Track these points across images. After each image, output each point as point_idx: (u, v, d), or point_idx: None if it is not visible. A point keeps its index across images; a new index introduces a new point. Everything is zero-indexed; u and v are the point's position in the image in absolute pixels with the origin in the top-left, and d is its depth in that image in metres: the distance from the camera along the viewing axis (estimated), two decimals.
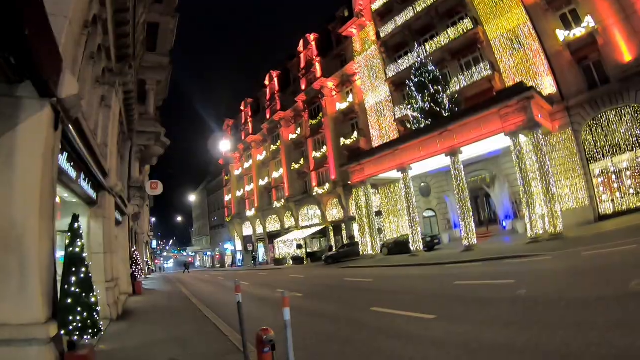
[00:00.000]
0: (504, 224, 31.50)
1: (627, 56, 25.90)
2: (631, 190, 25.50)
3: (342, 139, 46.35)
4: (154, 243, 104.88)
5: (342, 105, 47.35)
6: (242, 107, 74.36)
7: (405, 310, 10.30)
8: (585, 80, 27.52)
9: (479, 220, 33.20)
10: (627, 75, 25.54)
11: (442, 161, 29.19)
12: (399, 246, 32.76)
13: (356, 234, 41.07)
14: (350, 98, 46.29)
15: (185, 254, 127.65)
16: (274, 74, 63.70)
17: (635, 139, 25.17)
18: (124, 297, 18.00)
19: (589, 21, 26.99)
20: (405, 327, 8.90)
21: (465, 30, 32.74)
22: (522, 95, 24.27)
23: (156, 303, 19.39)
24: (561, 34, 28.09)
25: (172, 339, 9.98)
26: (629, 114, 25.59)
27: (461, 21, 33.40)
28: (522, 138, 24.80)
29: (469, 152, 28.12)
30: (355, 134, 44.66)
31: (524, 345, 6.33)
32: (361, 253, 36.04)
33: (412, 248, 30.47)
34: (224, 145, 74.16)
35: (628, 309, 7.07)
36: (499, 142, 26.56)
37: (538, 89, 26.70)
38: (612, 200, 26.32)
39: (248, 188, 71.19)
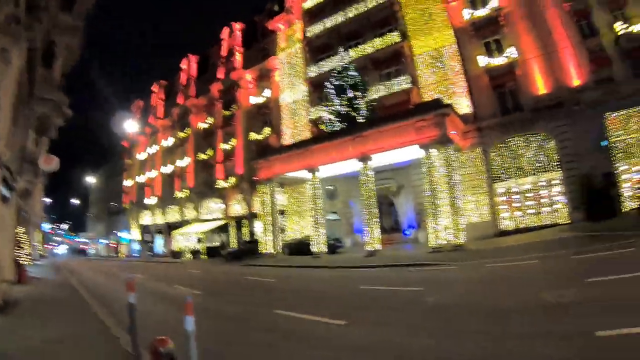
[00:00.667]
0: (407, 232, 32.16)
1: (541, 89, 27.81)
2: (530, 211, 27.63)
3: (253, 134, 44.27)
4: (47, 226, 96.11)
5: (257, 100, 45.18)
6: (153, 89, 69.13)
7: (313, 314, 9.89)
8: (499, 105, 28.93)
9: (382, 227, 33.05)
10: (539, 107, 27.49)
11: (352, 166, 28.68)
12: (301, 247, 31.95)
13: (258, 231, 39.61)
14: (266, 93, 44.21)
15: (79, 240, 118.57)
16: (193, 58, 59.93)
17: (539, 164, 27.34)
18: (5, 285, 15.42)
19: (511, 52, 28.79)
20: (315, 333, 8.45)
21: (392, 43, 33.13)
22: (439, 111, 24.76)
23: (42, 295, 17.46)
24: (483, 60, 29.36)
25: (54, 340, 8.70)
26: (536, 141, 27.69)
27: (390, 33, 33.59)
28: (434, 151, 24.87)
29: (380, 159, 27.92)
30: (267, 129, 42.80)
31: (444, 353, 6.34)
32: (262, 251, 34.50)
33: (314, 250, 29.99)
34: (130, 127, 68.53)
35: (538, 319, 7.70)
36: (410, 153, 26.67)
37: (454, 108, 27.30)
38: (513, 218, 28.12)
39: (151, 174, 66.22)
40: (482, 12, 30.31)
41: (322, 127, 34.25)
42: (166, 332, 4.90)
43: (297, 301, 12.80)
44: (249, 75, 46.59)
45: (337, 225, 36.00)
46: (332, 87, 32.36)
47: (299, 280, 19.04)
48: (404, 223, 32.69)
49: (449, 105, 25.60)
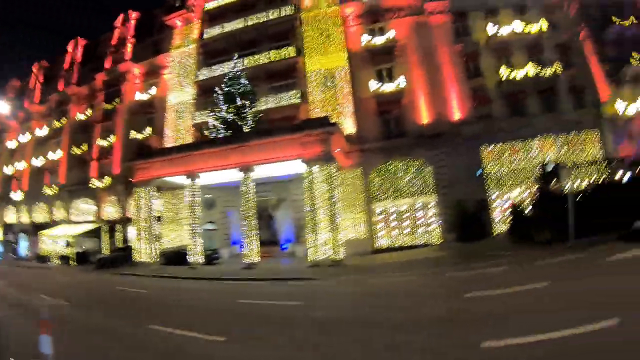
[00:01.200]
0: (284, 246, 31.90)
1: (424, 119, 29.49)
2: (406, 230, 29.20)
3: (134, 132, 40.87)
4: None
5: (142, 96, 42.01)
6: (33, 69, 61.47)
7: (190, 330, 9.46)
8: (383, 129, 30.04)
9: (261, 240, 32.36)
10: (421, 135, 28.97)
11: (233, 175, 27.46)
12: (177, 257, 29.96)
13: (133, 238, 36.57)
14: (153, 91, 41.30)
15: None
16: (81, 41, 54.34)
17: (416, 187, 29.17)
18: None
19: (400, 81, 30.05)
20: (194, 351, 8.03)
21: (287, 57, 32.88)
22: (325, 128, 24.84)
23: None
24: (373, 85, 30.23)
25: None
26: (415, 166, 29.35)
27: (286, 47, 33.22)
28: (316, 168, 24.76)
29: (262, 171, 27.21)
30: (149, 129, 39.91)
31: None
32: (136, 259, 31.60)
33: (190, 260, 28.37)
34: (1, 108, 61.09)
35: (424, 332, 8.02)
36: (292, 167, 26.22)
37: (340, 127, 27.47)
38: (389, 237, 29.38)
39: (19, 166, 58.27)
40: (379, 41, 31.40)
41: (207, 133, 32.49)
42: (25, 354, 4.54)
43: (173, 315, 12.17)
44: (137, 70, 43.27)
45: (215, 236, 34.25)
46: (222, 93, 30.99)
47: (175, 292, 18.13)
48: (283, 236, 32.43)
49: (335, 124, 25.78)
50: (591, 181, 24.25)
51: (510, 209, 26.63)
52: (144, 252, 31.10)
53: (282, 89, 32.89)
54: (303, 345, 7.71)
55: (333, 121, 26.06)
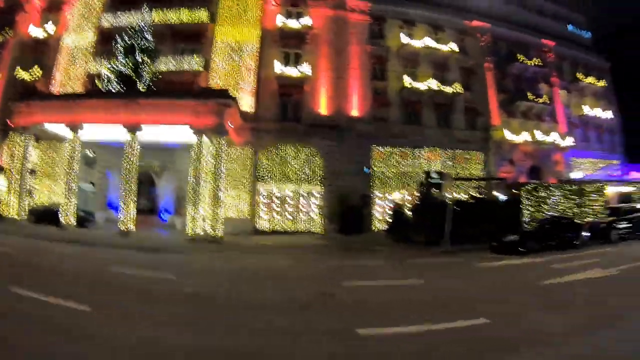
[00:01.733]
0: (163, 216, 30.34)
1: (323, 110, 29.70)
2: (288, 216, 29.29)
3: (21, 70, 36.36)
4: None
5: (37, 31, 37.24)
6: None
7: (54, 295, 8.57)
8: (281, 112, 29.84)
9: (140, 207, 30.75)
10: (316, 124, 29.42)
11: (118, 134, 25.34)
12: (48, 216, 27.12)
13: (1, 189, 32.89)
14: (50, 28, 37.07)
15: None
16: None
17: (304, 175, 29.48)
18: None
19: (306, 68, 29.82)
20: (54, 319, 7.19)
21: (198, 21, 31.15)
22: (223, 100, 24.24)
23: None
24: (278, 67, 29.77)
25: None
26: (305, 154, 29.59)
27: (200, 9, 31.37)
28: (206, 139, 24.00)
29: (150, 134, 25.28)
30: (38, 69, 35.80)
31: (202, 353, 5.85)
32: (3, 215, 28.03)
33: (62, 220, 25.95)
34: None
35: (301, 315, 8.12)
36: (182, 135, 24.94)
37: (238, 102, 26.74)
38: (271, 220, 29.22)
39: None
40: (294, 24, 31.11)
41: (98, 83, 30.31)
42: None
43: (37, 278, 10.98)
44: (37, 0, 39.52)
45: (91, 197, 32.05)
46: (123, 44, 28.77)
47: (43, 253, 16.43)
48: (162, 206, 30.92)
49: (234, 98, 25.27)
50: (470, 195, 26.11)
51: (392, 209, 28.32)
52: (12, 207, 27.99)
53: (186, 53, 31.13)
54: (170, 322, 7.31)
55: (232, 95, 25.44)
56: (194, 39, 31.27)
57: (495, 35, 37.61)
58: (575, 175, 38.67)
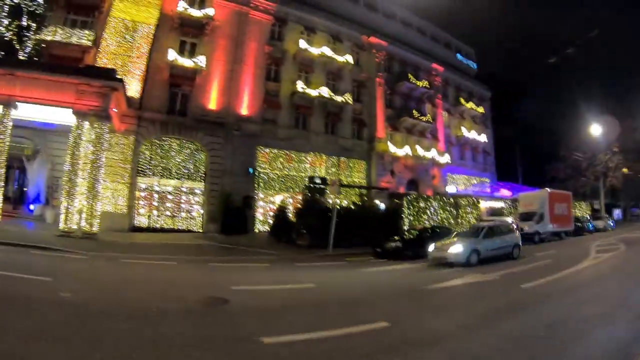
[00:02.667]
0: (32, 207, 26.82)
1: (212, 105, 29.54)
2: (167, 212, 28.32)
3: None
4: None
5: None
6: None
7: None
8: (168, 103, 28.87)
9: (5, 195, 28.10)
10: (204, 119, 29.13)
11: None
12: None
13: None
14: None
15: None
16: None
17: (186, 171, 28.82)
18: None
19: (200, 60, 29.31)
20: None
21: None
22: (110, 82, 22.57)
23: None
24: (172, 54, 28.86)
25: None
26: (190, 149, 29.10)
27: None
28: (87, 123, 22.24)
29: (25, 112, 22.71)
30: None
31: None
32: None
33: None
34: None
35: (195, 322, 7.21)
36: (60, 116, 22.88)
37: (125, 86, 25.17)
38: (149, 216, 28.03)
39: None
40: (194, 13, 30.16)
41: None
42: None
43: None
44: None
45: None
46: (9, 4, 25.14)
47: None
48: (32, 195, 27.26)
49: (121, 81, 23.60)
50: (352, 202, 27.43)
51: (276, 211, 28.82)
52: None
53: (76, 25, 28.43)
54: (43, 335, 5.93)
55: (120, 77, 23.99)
56: (87, 10, 28.68)
57: (389, 53, 40.27)
58: (450, 189, 42.25)
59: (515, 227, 21.96)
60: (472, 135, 47.59)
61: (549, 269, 15.06)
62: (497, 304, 9.94)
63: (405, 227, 24.52)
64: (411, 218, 25.54)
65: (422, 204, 26.25)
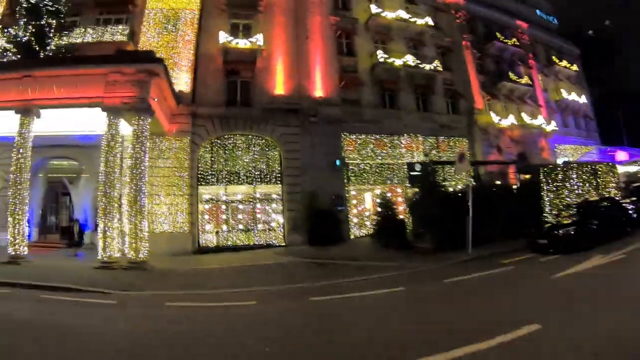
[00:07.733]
0: (79, 235, 20.95)
1: (279, 89, 22.46)
2: (239, 226, 21.43)
3: None
4: None
5: None
6: None
7: None
8: (227, 94, 22.09)
9: (48, 224, 22.65)
10: (272, 107, 21.91)
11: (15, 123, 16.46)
12: None
13: None
14: None
15: None
16: None
17: (258, 173, 21.57)
18: None
19: (258, 39, 22.42)
20: None
21: None
22: (147, 65, 16.03)
23: None
24: (223, 37, 22.17)
25: None
26: (259, 145, 21.88)
27: None
28: (122, 122, 15.99)
29: (54, 122, 16.85)
30: None
31: None
32: None
33: None
34: None
35: None
36: (96, 122, 16.52)
37: (168, 70, 18.44)
38: (217, 233, 20.95)
39: None
40: None
41: None
42: None
43: None
44: None
45: None
46: (27, 4, 19.80)
47: None
48: (80, 222, 21.52)
49: (161, 61, 16.82)
50: (476, 184, 19.27)
51: (377, 210, 20.70)
52: None
53: (109, 22, 22.84)
54: None
55: (159, 58, 17.26)
56: (120, 6, 23.00)
57: (469, 12, 31.59)
58: (560, 162, 32.64)
59: None
60: (572, 97, 37.54)
61: None
62: None
63: (547, 208, 17.14)
64: (551, 195, 17.56)
65: (560, 176, 18.02)
